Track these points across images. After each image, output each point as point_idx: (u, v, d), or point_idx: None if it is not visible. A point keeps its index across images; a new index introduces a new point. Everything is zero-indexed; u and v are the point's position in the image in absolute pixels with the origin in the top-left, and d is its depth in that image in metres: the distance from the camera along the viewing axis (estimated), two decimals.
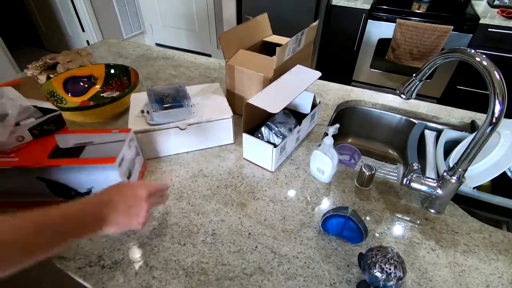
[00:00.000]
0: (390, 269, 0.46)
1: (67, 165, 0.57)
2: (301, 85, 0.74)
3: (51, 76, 1.06)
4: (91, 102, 0.98)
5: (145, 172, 0.75)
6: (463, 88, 2.10)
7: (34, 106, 0.63)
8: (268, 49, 0.99)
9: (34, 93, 0.68)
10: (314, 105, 0.84)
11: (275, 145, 0.70)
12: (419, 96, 2.19)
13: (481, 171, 0.74)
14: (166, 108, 0.73)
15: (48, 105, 0.66)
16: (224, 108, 0.79)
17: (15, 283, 1.33)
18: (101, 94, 1.03)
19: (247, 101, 0.67)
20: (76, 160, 0.58)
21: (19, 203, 0.63)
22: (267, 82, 0.79)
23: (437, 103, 1.29)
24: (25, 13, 3.03)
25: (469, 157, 0.56)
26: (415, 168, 0.65)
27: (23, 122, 0.61)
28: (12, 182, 0.59)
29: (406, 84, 0.67)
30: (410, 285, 0.53)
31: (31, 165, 0.56)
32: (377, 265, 0.47)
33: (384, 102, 1.02)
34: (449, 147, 0.87)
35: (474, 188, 0.73)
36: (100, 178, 0.60)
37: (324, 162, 0.69)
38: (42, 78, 1.07)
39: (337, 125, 0.66)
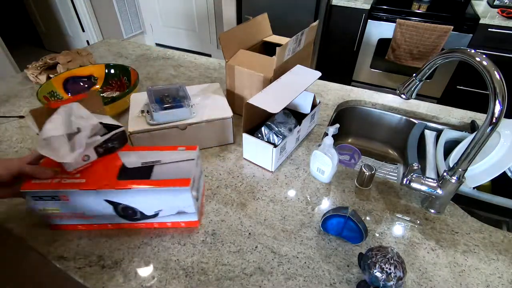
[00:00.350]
0: (390, 269, 0.46)
1: (136, 188, 0.53)
2: (301, 85, 0.74)
3: (51, 76, 1.06)
4: None
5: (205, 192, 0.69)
6: (463, 88, 2.10)
7: (100, 123, 0.58)
8: (268, 49, 0.99)
9: (95, 105, 0.62)
10: (314, 105, 0.84)
11: (275, 145, 0.70)
12: (419, 96, 2.19)
13: (481, 171, 0.74)
14: (166, 108, 0.73)
15: (110, 120, 0.61)
16: (224, 108, 0.79)
17: (15, 283, 1.33)
18: (101, 94, 1.03)
19: (247, 101, 0.67)
20: (148, 182, 0.53)
21: (88, 225, 0.60)
22: (267, 82, 0.79)
23: (437, 103, 1.29)
24: (25, 13, 3.04)
25: (469, 157, 0.56)
26: (415, 168, 0.65)
27: (89, 141, 0.55)
28: (81, 204, 0.56)
29: (406, 84, 0.67)
30: (410, 285, 0.53)
31: (100, 187, 0.52)
32: (377, 265, 0.47)
33: (384, 102, 1.02)
34: (449, 147, 0.87)
35: (474, 188, 0.74)
36: (171, 200, 0.55)
37: (324, 162, 0.69)
38: (42, 78, 1.07)
39: (337, 125, 0.66)
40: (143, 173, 0.55)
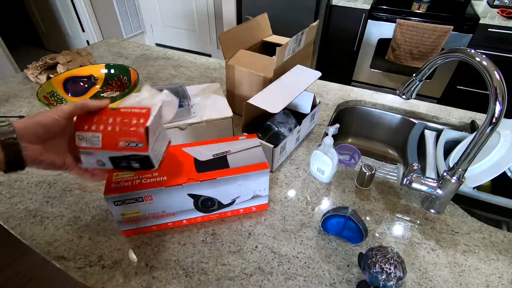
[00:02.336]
0: (390, 269, 0.46)
1: (222, 177, 0.54)
2: (301, 85, 0.74)
3: (51, 76, 1.06)
4: None
5: None
6: (463, 88, 2.10)
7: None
8: (268, 49, 0.99)
9: None
10: (314, 105, 0.84)
11: (275, 145, 0.70)
12: (419, 96, 2.19)
13: (481, 171, 0.74)
14: None
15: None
16: (224, 108, 0.79)
17: (15, 283, 1.33)
18: (101, 94, 1.03)
19: (247, 101, 0.67)
20: (229, 170, 0.55)
21: (163, 225, 0.60)
22: (267, 82, 0.79)
23: (437, 103, 1.29)
24: (25, 13, 3.04)
25: (469, 157, 0.56)
26: (415, 168, 0.65)
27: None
28: (164, 203, 0.56)
29: (406, 84, 0.67)
30: (410, 285, 0.53)
31: (186, 182, 0.53)
32: (377, 265, 0.47)
33: (384, 102, 1.02)
34: (449, 147, 0.87)
35: (474, 188, 0.74)
36: (250, 185, 0.58)
37: (324, 162, 0.69)
38: (42, 78, 1.07)
39: (337, 125, 0.66)
40: (220, 163, 0.57)
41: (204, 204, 0.59)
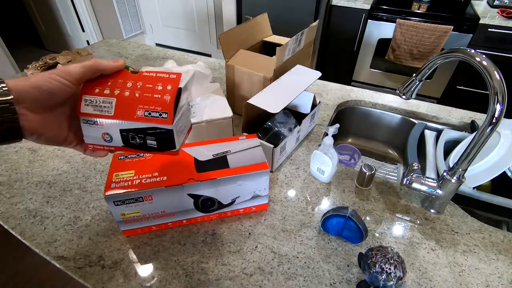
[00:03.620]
0: (390, 269, 0.46)
1: (222, 177, 0.54)
2: (301, 85, 0.74)
3: None
4: None
5: None
6: (463, 88, 2.10)
7: None
8: (268, 49, 0.99)
9: None
10: (314, 105, 0.84)
11: (275, 145, 0.70)
12: (419, 96, 2.19)
13: (481, 171, 0.74)
14: None
15: None
16: (224, 108, 0.79)
17: (15, 283, 1.33)
18: None
19: (247, 101, 0.67)
20: (230, 170, 0.55)
21: (163, 225, 0.60)
22: (267, 82, 0.79)
23: (437, 103, 1.29)
24: (25, 13, 3.04)
25: (469, 157, 0.56)
26: (415, 168, 0.65)
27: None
28: (164, 203, 0.55)
29: (406, 84, 0.67)
30: (410, 285, 0.53)
31: (185, 182, 0.53)
32: (377, 265, 0.47)
33: (384, 102, 1.02)
34: (449, 147, 0.87)
35: (474, 188, 0.73)
36: (250, 185, 0.58)
37: (324, 162, 0.69)
38: None
39: (337, 125, 0.66)
40: (220, 163, 0.57)
41: (204, 204, 0.59)
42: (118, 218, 0.55)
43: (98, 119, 0.36)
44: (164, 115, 0.36)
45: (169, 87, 0.36)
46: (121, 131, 0.37)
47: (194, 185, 0.54)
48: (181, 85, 0.37)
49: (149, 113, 0.36)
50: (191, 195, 0.56)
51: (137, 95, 0.36)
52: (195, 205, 0.58)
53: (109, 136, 0.37)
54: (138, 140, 0.38)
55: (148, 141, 0.38)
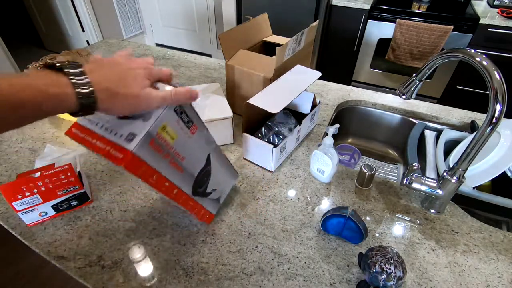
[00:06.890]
0: (390, 269, 0.46)
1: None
2: (301, 85, 0.74)
3: None
4: None
5: None
6: (463, 88, 2.10)
7: None
8: (268, 49, 0.99)
9: None
10: (314, 105, 0.84)
11: (275, 145, 0.70)
12: (419, 96, 2.19)
13: (481, 171, 0.74)
14: None
15: None
16: (224, 108, 0.79)
17: (15, 283, 1.33)
18: None
19: (247, 101, 0.67)
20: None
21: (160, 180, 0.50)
22: (267, 82, 0.79)
23: (437, 103, 1.29)
24: (25, 13, 3.03)
25: (469, 157, 0.56)
26: (415, 168, 0.65)
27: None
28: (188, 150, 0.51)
29: (406, 84, 0.67)
30: (410, 285, 0.53)
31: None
32: (377, 265, 0.47)
33: (384, 102, 1.02)
34: (449, 147, 0.87)
35: (474, 188, 0.74)
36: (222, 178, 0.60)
37: (324, 162, 0.69)
38: None
39: (337, 125, 0.66)
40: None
41: (203, 178, 0.55)
42: (155, 130, 0.43)
43: (33, 208, 0.59)
44: (76, 187, 0.62)
45: (69, 174, 0.59)
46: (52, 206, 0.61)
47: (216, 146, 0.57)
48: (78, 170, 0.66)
49: (67, 190, 0.61)
50: (208, 158, 0.56)
51: (50, 186, 0.58)
52: (199, 172, 0.54)
53: (44, 212, 0.61)
54: (64, 206, 0.63)
55: (72, 203, 0.63)
